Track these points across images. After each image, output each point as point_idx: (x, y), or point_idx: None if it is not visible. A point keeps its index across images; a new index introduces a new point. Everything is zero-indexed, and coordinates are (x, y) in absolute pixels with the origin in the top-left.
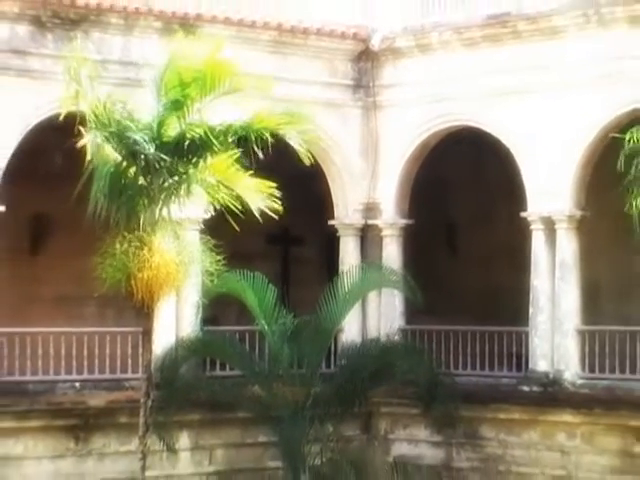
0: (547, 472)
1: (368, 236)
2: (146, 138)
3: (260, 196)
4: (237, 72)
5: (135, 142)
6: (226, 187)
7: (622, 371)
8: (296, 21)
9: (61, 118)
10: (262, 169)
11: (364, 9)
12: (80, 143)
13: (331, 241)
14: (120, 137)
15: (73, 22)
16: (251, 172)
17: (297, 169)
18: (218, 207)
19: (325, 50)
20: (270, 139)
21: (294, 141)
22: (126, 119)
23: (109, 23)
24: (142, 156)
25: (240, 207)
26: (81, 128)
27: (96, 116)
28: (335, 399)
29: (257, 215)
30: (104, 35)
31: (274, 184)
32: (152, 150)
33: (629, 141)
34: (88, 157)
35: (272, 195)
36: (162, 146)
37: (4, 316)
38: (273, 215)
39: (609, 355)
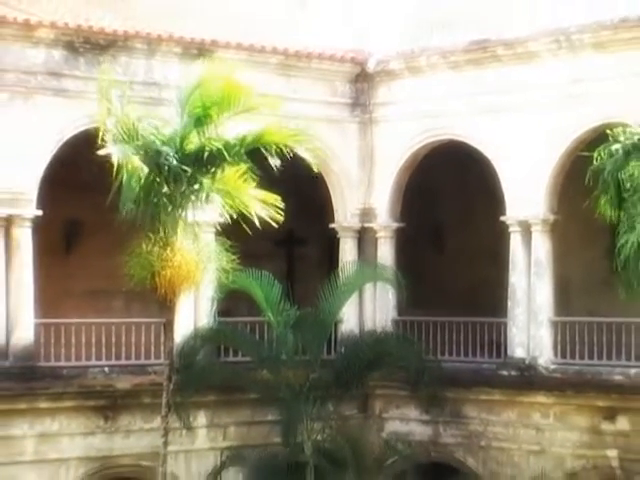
0: (524, 447)
1: (364, 237)
2: (170, 150)
3: (263, 205)
4: (250, 93)
5: (159, 154)
6: (234, 197)
7: (590, 357)
8: (301, 46)
9: (94, 132)
10: (270, 178)
11: (361, 36)
12: (102, 152)
13: (331, 242)
14: (146, 150)
15: (102, 47)
16: (260, 181)
17: (301, 178)
18: (231, 213)
19: (326, 72)
20: (278, 151)
21: (303, 152)
22: (152, 134)
23: (134, 48)
24: (166, 167)
25: (249, 213)
26: (107, 141)
27: (124, 130)
28: (335, 382)
29: (257, 222)
30: (130, 59)
31: (279, 193)
32: (175, 162)
33: (596, 159)
34: (117, 168)
35: (274, 205)
36: (184, 157)
37: (42, 308)
38: (276, 221)
39: (579, 343)
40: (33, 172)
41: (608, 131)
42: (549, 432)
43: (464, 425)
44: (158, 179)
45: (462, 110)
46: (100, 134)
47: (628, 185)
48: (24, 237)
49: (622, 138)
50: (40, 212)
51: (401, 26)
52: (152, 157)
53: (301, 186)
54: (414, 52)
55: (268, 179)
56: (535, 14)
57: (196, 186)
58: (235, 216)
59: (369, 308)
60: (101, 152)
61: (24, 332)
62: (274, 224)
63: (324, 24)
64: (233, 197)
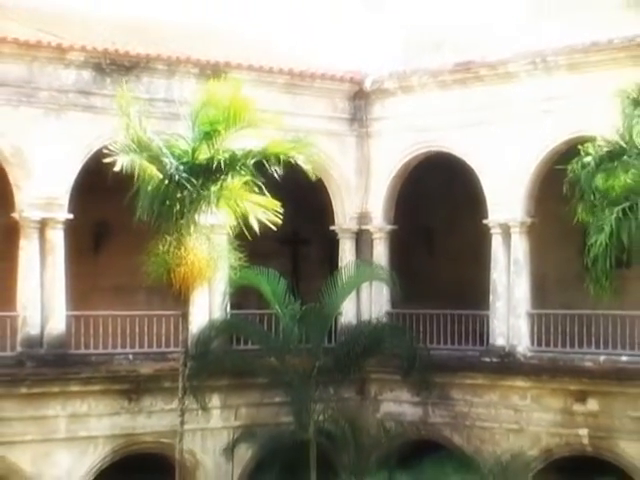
0: (504, 426)
1: (361, 238)
2: (180, 162)
3: (264, 210)
4: (255, 109)
5: (172, 164)
6: (237, 203)
7: (563, 346)
8: (304, 67)
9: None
10: (277, 185)
11: (358, 58)
12: (110, 160)
13: (332, 242)
14: (160, 160)
15: (127, 68)
16: (268, 188)
17: (305, 185)
18: (235, 217)
19: (327, 90)
20: (282, 162)
21: (302, 162)
22: (165, 146)
23: (155, 69)
24: (177, 176)
25: (251, 218)
26: (119, 152)
27: (138, 143)
28: (335, 368)
29: (256, 227)
30: (151, 78)
31: (286, 198)
32: (183, 173)
33: (571, 170)
34: (135, 175)
35: (275, 210)
36: (195, 167)
37: (73, 302)
38: (276, 224)
39: (553, 333)
40: (65, 180)
41: (579, 146)
42: (526, 413)
43: (451, 406)
44: (171, 186)
45: (449, 124)
46: (116, 146)
47: (597, 193)
48: (57, 238)
49: (592, 151)
50: (71, 216)
51: (394, 49)
52: (166, 167)
53: (305, 192)
54: (406, 72)
55: (275, 186)
56: (514, 38)
57: (206, 192)
58: (240, 220)
59: (365, 301)
60: (106, 160)
61: (57, 323)
62: (273, 227)
63: (326, 48)
64: (237, 203)
